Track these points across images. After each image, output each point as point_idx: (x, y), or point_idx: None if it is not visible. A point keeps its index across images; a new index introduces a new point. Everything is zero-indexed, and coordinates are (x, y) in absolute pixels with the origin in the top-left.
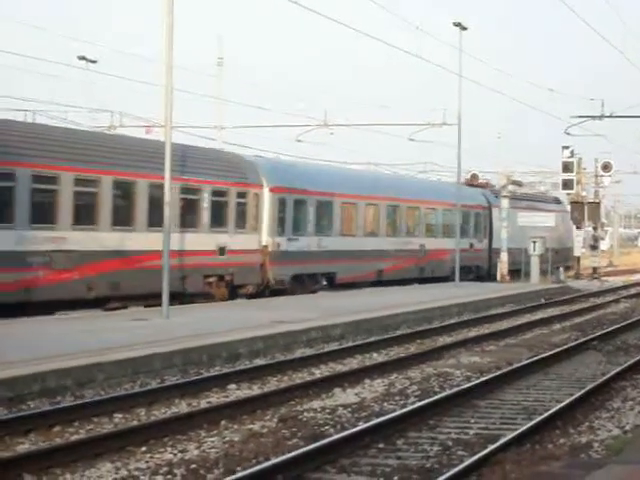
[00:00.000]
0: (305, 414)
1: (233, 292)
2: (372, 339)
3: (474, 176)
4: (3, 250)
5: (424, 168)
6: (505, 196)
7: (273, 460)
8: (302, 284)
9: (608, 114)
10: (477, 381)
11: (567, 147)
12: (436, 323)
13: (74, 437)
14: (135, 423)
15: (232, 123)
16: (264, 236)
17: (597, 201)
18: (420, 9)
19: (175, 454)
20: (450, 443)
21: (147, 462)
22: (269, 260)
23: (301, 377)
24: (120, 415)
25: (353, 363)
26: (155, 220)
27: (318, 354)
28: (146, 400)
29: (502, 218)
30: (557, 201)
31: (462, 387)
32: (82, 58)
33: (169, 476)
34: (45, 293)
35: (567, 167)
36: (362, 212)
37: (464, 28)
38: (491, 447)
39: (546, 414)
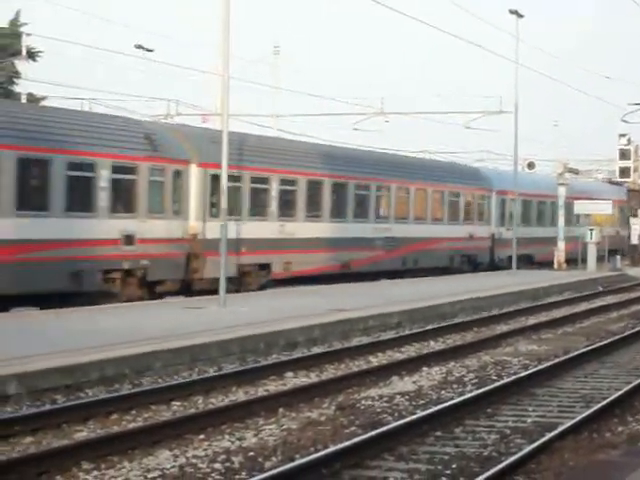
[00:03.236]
0: (363, 402)
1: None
2: (429, 327)
3: (531, 164)
4: (361, 237)
5: (480, 156)
6: (562, 184)
7: (331, 448)
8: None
9: None
10: (534, 369)
11: (624, 135)
12: (494, 311)
13: (132, 425)
14: (193, 411)
15: (288, 111)
16: (492, 227)
17: None
18: None
19: (233, 442)
20: (508, 431)
21: (205, 450)
22: (495, 245)
23: (358, 365)
24: (178, 403)
25: (410, 351)
26: (439, 215)
27: (375, 342)
28: (204, 388)
29: (559, 206)
30: None
31: (519, 375)
32: (139, 47)
33: (227, 464)
34: (382, 265)
35: (624, 154)
36: (549, 207)
37: (520, 15)
38: (549, 435)
39: (604, 402)
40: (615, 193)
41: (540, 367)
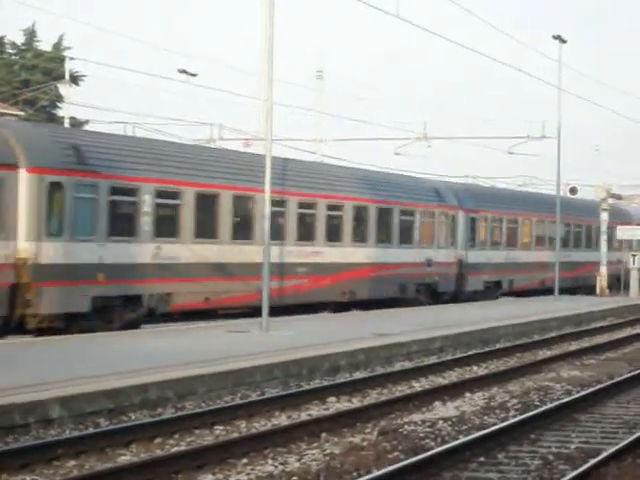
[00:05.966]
0: (405, 427)
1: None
2: (472, 352)
3: (573, 189)
4: (552, 261)
5: (523, 181)
6: (604, 209)
7: (374, 473)
8: None
9: None
10: (577, 395)
11: None
12: (536, 337)
13: (175, 449)
14: (236, 435)
15: (331, 136)
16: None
17: None
18: (519, 22)
19: (276, 466)
20: (551, 457)
21: (248, 474)
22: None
23: (401, 390)
24: (221, 427)
25: (453, 376)
26: (598, 244)
27: (418, 367)
28: (247, 412)
29: (602, 232)
30: None
31: (562, 401)
32: (182, 71)
33: None
34: (564, 283)
35: None
36: None
37: (563, 41)
38: (592, 461)
39: None
40: None
41: (583, 393)
